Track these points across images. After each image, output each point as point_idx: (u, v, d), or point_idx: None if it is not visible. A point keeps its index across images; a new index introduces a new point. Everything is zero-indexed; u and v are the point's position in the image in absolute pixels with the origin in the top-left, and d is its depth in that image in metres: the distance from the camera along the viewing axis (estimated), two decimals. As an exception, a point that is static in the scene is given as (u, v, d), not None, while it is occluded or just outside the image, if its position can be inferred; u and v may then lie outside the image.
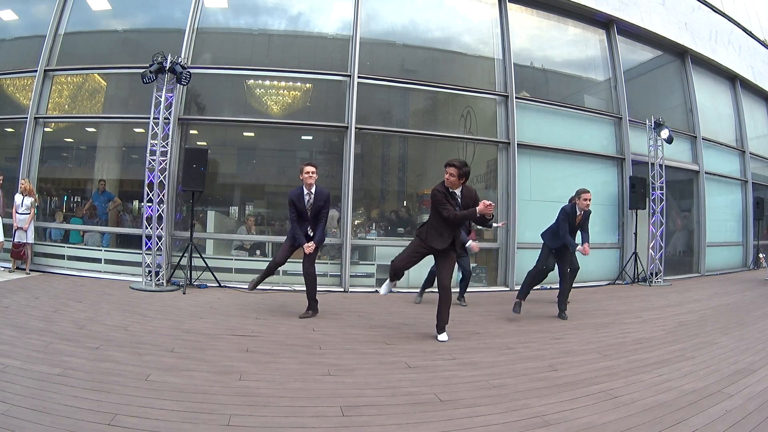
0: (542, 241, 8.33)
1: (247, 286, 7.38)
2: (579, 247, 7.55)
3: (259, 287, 7.16)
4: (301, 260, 7.00)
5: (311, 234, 6.99)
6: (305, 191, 6.91)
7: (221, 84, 10.96)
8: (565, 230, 7.51)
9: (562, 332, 6.64)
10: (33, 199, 9.79)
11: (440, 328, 6.04)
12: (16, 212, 9.61)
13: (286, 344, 5.55)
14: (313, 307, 7.13)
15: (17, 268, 9.72)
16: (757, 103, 17.65)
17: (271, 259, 8.24)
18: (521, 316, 7.61)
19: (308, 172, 6.91)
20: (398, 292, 9.30)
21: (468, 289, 8.71)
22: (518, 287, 10.23)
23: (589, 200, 7.57)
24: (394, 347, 5.62)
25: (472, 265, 9.71)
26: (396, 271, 6.17)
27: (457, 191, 5.92)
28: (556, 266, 8.19)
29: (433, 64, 11.71)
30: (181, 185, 9.58)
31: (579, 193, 7.60)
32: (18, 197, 9.64)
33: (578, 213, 7.59)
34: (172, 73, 8.88)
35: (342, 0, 10.93)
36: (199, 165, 9.14)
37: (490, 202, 5.61)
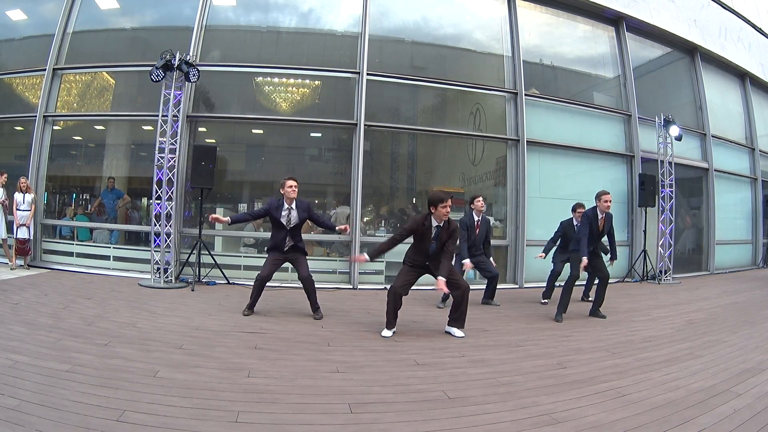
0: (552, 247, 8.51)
1: (243, 313, 6.86)
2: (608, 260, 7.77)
3: (267, 285, 7.09)
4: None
5: (288, 246, 6.85)
6: (285, 205, 6.76)
7: (230, 81, 10.97)
8: (585, 234, 7.26)
9: (571, 330, 6.62)
10: (33, 196, 9.86)
11: (461, 324, 6.22)
12: (18, 209, 9.68)
13: (294, 341, 5.56)
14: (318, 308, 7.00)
15: (28, 266, 9.83)
16: (767, 101, 17.50)
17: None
18: (530, 313, 7.66)
19: (291, 186, 6.74)
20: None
21: (475, 287, 8.64)
22: (527, 285, 10.30)
23: (610, 202, 7.39)
24: (403, 344, 5.63)
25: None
26: (396, 301, 6.13)
27: (441, 224, 6.08)
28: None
29: (442, 61, 11.69)
30: (190, 182, 9.60)
31: (599, 195, 7.39)
32: (18, 195, 9.71)
33: (600, 216, 7.40)
34: (180, 70, 8.90)
35: (350, -3, 10.94)
36: (207, 162, 9.17)
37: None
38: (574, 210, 8.66)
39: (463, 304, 6.12)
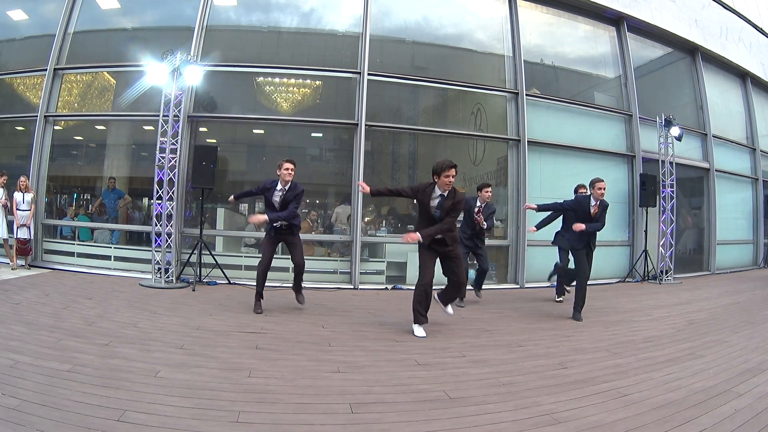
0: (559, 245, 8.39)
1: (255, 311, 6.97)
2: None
3: (267, 284, 7.11)
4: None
5: (281, 225, 6.88)
6: (279, 186, 6.84)
7: (231, 81, 10.95)
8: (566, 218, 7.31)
9: (572, 330, 6.62)
10: (33, 195, 9.86)
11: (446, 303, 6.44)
12: (17, 209, 9.67)
13: (295, 341, 5.56)
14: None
15: (29, 266, 9.84)
16: (768, 100, 17.50)
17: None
18: (531, 313, 7.68)
19: (287, 169, 6.80)
20: (409, 289, 9.30)
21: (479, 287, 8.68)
22: (528, 285, 10.30)
23: (604, 189, 7.24)
24: (404, 344, 5.62)
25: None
26: (427, 296, 6.14)
27: (445, 194, 5.94)
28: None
29: (443, 61, 11.67)
30: (191, 182, 9.61)
31: (593, 182, 7.27)
32: (18, 195, 9.69)
33: (593, 203, 7.26)
34: (180, 71, 8.89)
35: (351, -3, 10.93)
36: (208, 162, 9.16)
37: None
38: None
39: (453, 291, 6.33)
